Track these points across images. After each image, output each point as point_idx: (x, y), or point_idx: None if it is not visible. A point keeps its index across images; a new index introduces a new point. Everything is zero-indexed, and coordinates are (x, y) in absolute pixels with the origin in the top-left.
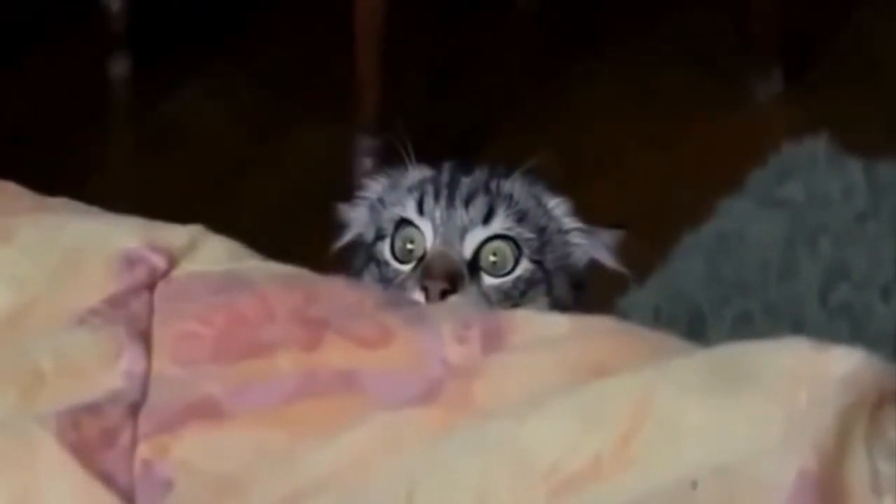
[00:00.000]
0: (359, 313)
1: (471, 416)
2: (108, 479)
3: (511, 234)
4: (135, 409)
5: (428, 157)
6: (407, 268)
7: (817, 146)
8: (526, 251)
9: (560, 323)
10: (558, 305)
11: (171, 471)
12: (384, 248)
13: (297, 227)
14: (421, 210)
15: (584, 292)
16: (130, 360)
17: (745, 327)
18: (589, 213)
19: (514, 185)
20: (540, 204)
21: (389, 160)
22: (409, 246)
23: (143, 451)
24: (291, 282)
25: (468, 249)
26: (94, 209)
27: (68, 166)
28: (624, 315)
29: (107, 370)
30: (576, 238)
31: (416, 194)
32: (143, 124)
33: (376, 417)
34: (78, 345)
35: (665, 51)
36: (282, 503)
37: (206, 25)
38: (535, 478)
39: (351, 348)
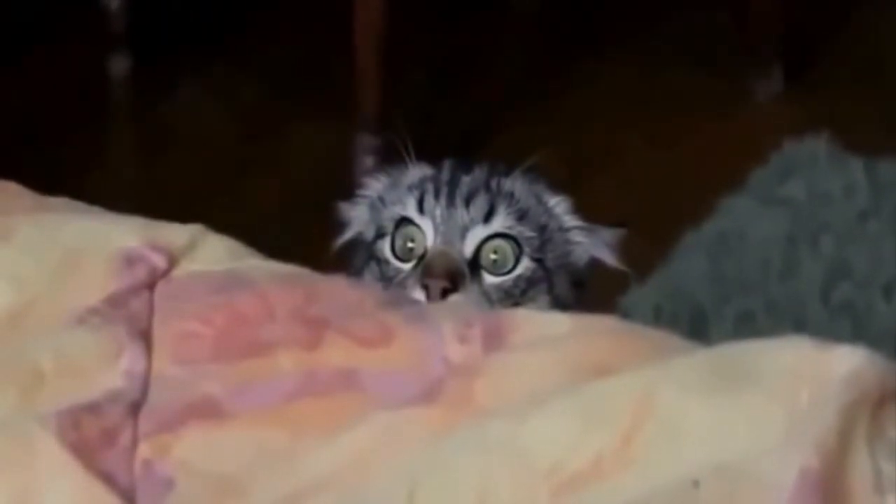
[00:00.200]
0: (359, 312)
1: (472, 416)
2: (108, 479)
3: (512, 232)
4: (135, 408)
5: (428, 155)
6: (407, 266)
7: (818, 145)
8: (527, 250)
9: (561, 322)
10: (559, 304)
11: (172, 470)
12: (384, 247)
13: (297, 226)
14: (421, 209)
15: (585, 291)
16: (131, 359)
17: (747, 326)
18: (590, 212)
19: (515, 184)
20: (540, 202)
21: (390, 159)
22: (410, 244)
23: (143, 450)
24: (292, 281)
25: (469, 248)
26: (95, 208)
27: (68, 166)
28: (625, 314)
29: (107, 370)
30: (576, 236)
31: (416, 193)
32: (143, 124)
33: (377, 417)
34: (78, 344)
35: (665, 51)
36: (282, 502)
37: (206, 25)
38: (537, 477)
39: (351, 347)
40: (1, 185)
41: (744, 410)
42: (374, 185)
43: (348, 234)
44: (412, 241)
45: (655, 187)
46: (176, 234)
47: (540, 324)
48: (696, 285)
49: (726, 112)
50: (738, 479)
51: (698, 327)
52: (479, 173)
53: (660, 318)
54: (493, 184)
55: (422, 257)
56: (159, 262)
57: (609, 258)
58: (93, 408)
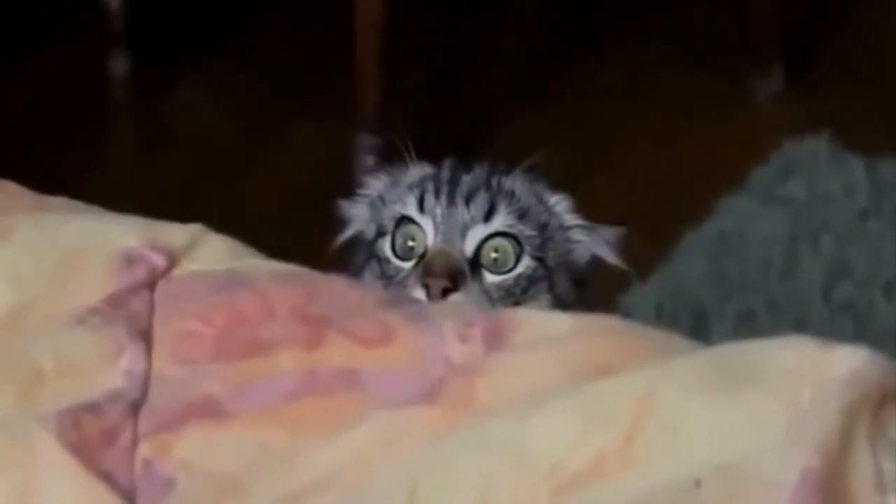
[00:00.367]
0: (360, 312)
1: (473, 415)
2: (108, 479)
3: (512, 231)
4: (135, 408)
5: (428, 155)
6: (408, 265)
7: (819, 144)
8: (527, 248)
9: (562, 321)
10: (560, 303)
11: (172, 470)
12: (385, 245)
13: (297, 226)
14: (422, 207)
15: (586, 289)
16: (131, 359)
17: (748, 325)
18: (590, 211)
19: (515, 183)
20: (541, 201)
21: (390, 158)
22: (411, 243)
23: (143, 450)
24: (292, 280)
25: (469, 247)
26: (94, 208)
27: (68, 165)
28: (626, 313)
29: (107, 369)
30: (577, 235)
31: (416, 192)
32: (143, 123)
33: (378, 416)
34: (78, 344)
35: (665, 51)
36: (283, 502)
37: (206, 25)
38: (538, 477)
39: (352, 347)
40: (0, 184)
41: (745, 410)
42: (375, 184)
43: (348, 233)
44: (413, 240)
45: (656, 187)
46: (176, 233)
47: (541, 323)
48: (696, 285)
49: (726, 112)
50: (739, 478)
51: (699, 327)
52: (479, 172)
53: (661, 317)
54: (494, 183)
55: (422, 256)
56: (159, 261)
57: (610, 257)
58: (93, 408)
